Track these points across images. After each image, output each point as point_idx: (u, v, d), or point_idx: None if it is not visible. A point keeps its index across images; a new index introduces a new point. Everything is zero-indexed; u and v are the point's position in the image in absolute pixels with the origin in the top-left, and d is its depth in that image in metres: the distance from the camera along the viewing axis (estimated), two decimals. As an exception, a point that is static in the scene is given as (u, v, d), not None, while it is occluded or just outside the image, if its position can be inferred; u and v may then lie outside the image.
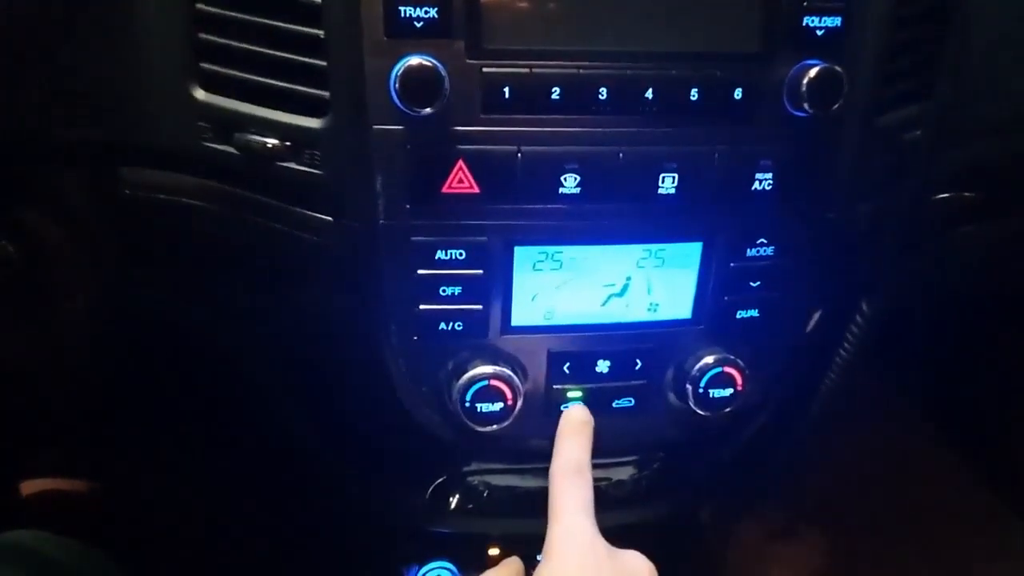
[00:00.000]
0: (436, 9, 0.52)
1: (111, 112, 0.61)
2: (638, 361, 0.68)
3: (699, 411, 0.67)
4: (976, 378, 1.39)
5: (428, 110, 0.53)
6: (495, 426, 0.64)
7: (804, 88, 0.57)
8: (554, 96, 0.56)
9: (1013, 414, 1.36)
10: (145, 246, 0.72)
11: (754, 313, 0.67)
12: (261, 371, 0.79)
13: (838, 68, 0.56)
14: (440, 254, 0.60)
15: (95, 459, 1.24)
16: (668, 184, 0.59)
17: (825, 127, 0.60)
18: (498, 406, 0.63)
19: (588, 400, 0.68)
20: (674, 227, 0.63)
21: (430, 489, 0.87)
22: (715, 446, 0.90)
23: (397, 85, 0.52)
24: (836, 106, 0.57)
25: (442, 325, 0.63)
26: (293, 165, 0.59)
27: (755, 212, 0.62)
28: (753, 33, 0.57)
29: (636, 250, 0.64)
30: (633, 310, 0.66)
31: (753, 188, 0.61)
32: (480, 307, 0.63)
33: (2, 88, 0.59)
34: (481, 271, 0.61)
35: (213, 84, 0.59)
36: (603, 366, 0.67)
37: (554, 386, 0.67)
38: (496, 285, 0.62)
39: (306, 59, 0.56)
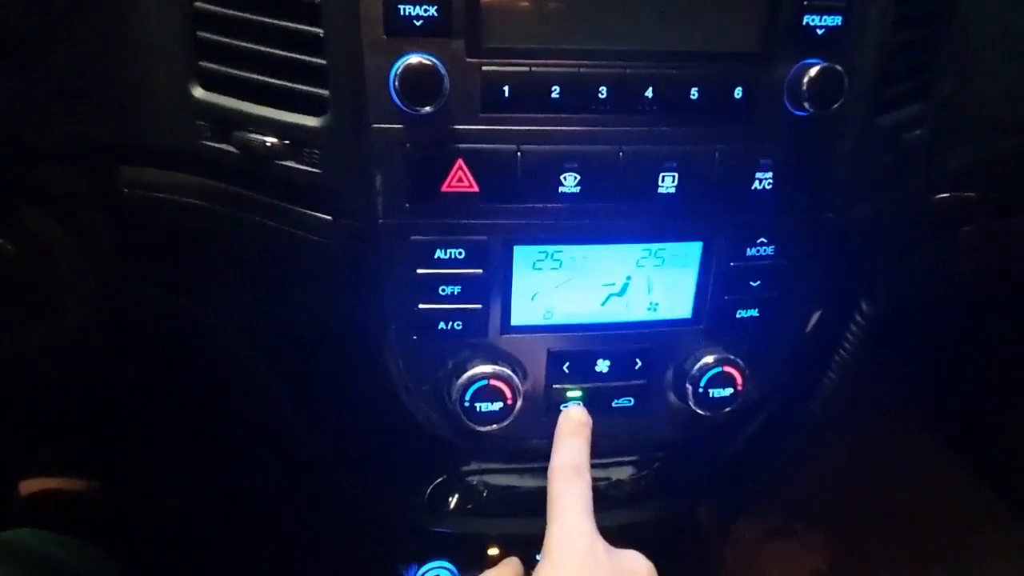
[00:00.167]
0: (436, 8, 0.52)
1: (110, 111, 0.61)
2: (638, 361, 0.68)
3: (699, 411, 0.67)
4: (975, 378, 1.39)
5: (428, 109, 0.53)
6: (494, 426, 0.64)
7: (804, 87, 0.57)
8: (554, 95, 0.56)
9: (1013, 414, 1.36)
10: (144, 245, 0.72)
11: (754, 313, 0.67)
12: (260, 370, 0.79)
13: (839, 67, 0.56)
14: (439, 253, 0.60)
15: (95, 458, 1.24)
16: (668, 183, 0.59)
17: (825, 127, 0.60)
18: (497, 406, 0.63)
19: (588, 400, 0.68)
20: (674, 227, 0.63)
21: (429, 489, 0.87)
22: (714, 446, 0.90)
23: (397, 84, 0.52)
24: (836, 105, 0.57)
25: (441, 324, 0.63)
26: (292, 164, 0.59)
27: (755, 212, 0.62)
28: (753, 32, 0.57)
29: (636, 249, 0.64)
30: (633, 310, 0.66)
31: (753, 188, 0.61)
32: (480, 306, 0.62)
33: (3, 87, 0.59)
34: (480, 270, 0.61)
35: (212, 83, 0.59)
36: (603, 366, 0.67)
37: (554, 386, 0.67)
38: (496, 284, 0.62)
39: (305, 58, 0.56)
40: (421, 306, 0.62)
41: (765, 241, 0.64)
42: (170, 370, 0.96)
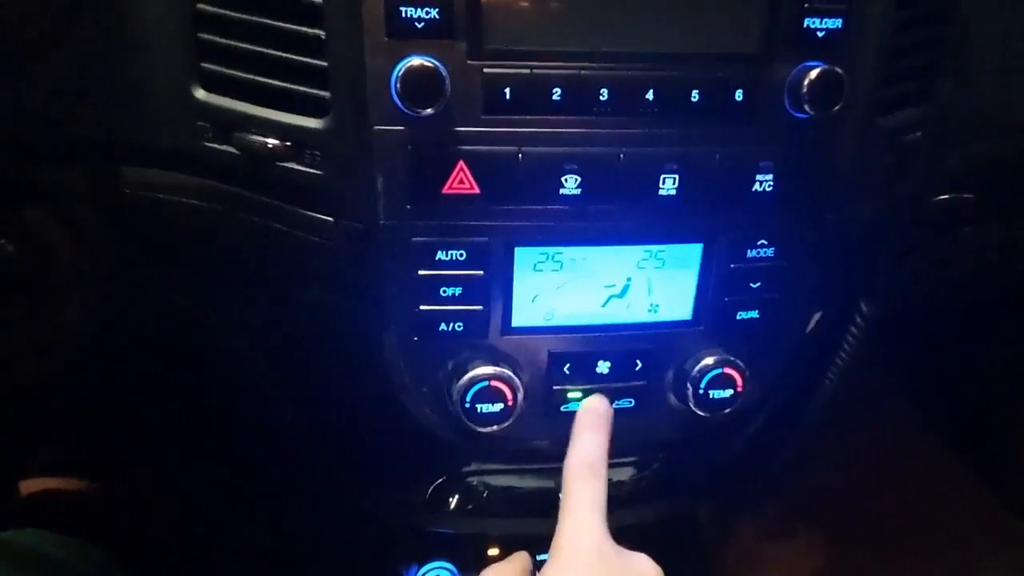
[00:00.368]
0: (437, 10, 0.52)
1: (111, 111, 0.61)
2: (638, 362, 0.68)
3: (699, 412, 0.67)
4: (976, 378, 1.39)
5: (429, 111, 0.53)
6: (495, 427, 0.64)
7: (805, 89, 0.57)
8: (555, 97, 0.56)
9: (1013, 414, 1.36)
10: (145, 246, 0.72)
11: (754, 314, 0.67)
12: (261, 371, 0.79)
13: (839, 69, 0.56)
14: (440, 254, 0.60)
15: (95, 458, 1.24)
16: (669, 185, 0.59)
17: (826, 128, 0.60)
18: (498, 407, 0.63)
19: (588, 401, 0.67)
20: (675, 228, 0.63)
21: (430, 489, 0.87)
22: (715, 447, 0.90)
23: (398, 85, 0.52)
24: (837, 107, 0.57)
25: (442, 325, 0.63)
26: (294, 165, 0.59)
27: (756, 213, 0.62)
28: (754, 34, 0.57)
29: (637, 251, 0.64)
30: (633, 311, 0.66)
31: (754, 189, 0.61)
32: (480, 308, 0.63)
33: (3, 87, 0.59)
34: (481, 272, 0.61)
35: (214, 84, 0.59)
36: (603, 367, 0.67)
37: (554, 387, 0.67)
38: (496, 286, 0.62)
39: (307, 59, 0.56)
40: (422, 307, 0.62)
41: (765, 242, 0.64)
42: (170, 370, 0.96)
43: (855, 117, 0.61)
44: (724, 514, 1.29)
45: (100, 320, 0.80)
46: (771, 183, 0.61)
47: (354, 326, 0.67)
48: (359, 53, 0.53)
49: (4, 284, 0.73)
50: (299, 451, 0.84)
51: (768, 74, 0.58)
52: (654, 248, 0.64)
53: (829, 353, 0.84)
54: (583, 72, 0.56)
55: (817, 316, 0.78)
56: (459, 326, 0.63)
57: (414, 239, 0.59)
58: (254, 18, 0.56)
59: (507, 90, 0.55)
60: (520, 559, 0.70)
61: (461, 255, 0.60)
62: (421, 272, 0.60)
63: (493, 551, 0.85)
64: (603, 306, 0.66)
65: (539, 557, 0.59)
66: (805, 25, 0.57)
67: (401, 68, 0.52)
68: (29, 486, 1.19)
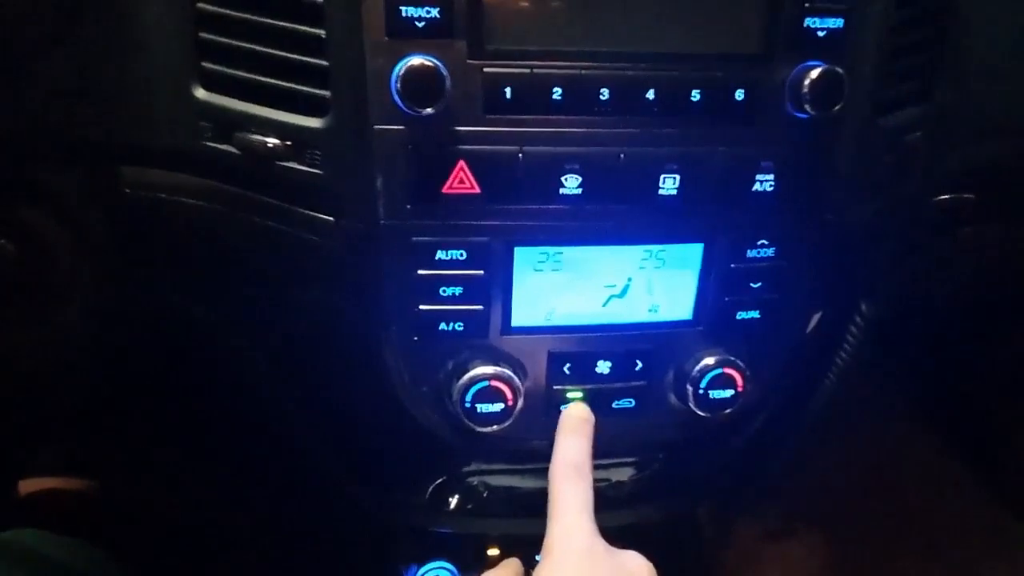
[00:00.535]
0: (438, 9, 0.52)
1: (111, 111, 0.61)
2: (638, 362, 0.68)
3: (699, 412, 0.67)
4: (976, 379, 1.39)
5: (429, 110, 0.53)
6: (495, 426, 0.64)
7: (806, 89, 0.57)
8: (555, 96, 0.56)
9: (1013, 414, 1.36)
10: (145, 246, 0.72)
11: (754, 314, 0.67)
12: (261, 370, 0.79)
13: (839, 69, 0.57)
14: (441, 254, 0.60)
15: (95, 458, 1.24)
16: (669, 185, 0.59)
17: (826, 128, 0.60)
18: (498, 407, 0.63)
19: (588, 401, 0.68)
20: (675, 228, 0.63)
21: (430, 489, 0.87)
22: (715, 447, 0.90)
23: (398, 85, 0.52)
24: (837, 107, 0.57)
25: (442, 325, 0.63)
26: (294, 165, 0.59)
27: (756, 213, 0.62)
28: (755, 34, 0.57)
29: (637, 251, 0.64)
30: (634, 311, 0.66)
31: (754, 189, 0.61)
32: (480, 307, 0.63)
33: (2, 86, 0.59)
34: (482, 271, 0.61)
35: (214, 83, 0.59)
36: (603, 367, 0.67)
37: (554, 387, 0.67)
38: (497, 285, 0.62)
39: (307, 59, 0.56)
40: (422, 307, 0.62)
41: (766, 243, 0.64)
42: (170, 370, 0.96)
43: (855, 117, 0.61)
44: (724, 514, 1.29)
45: (100, 320, 0.80)
46: (771, 183, 0.61)
47: (354, 326, 0.67)
48: (359, 52, 0.53)
49: (4, 284, 0.73)
50: (299, 451, 0.84)
51: (769, 74, 0.58)
52: (654, 248, 0.64)
53: (829, 353, 0.84)
54: (584, 72, 0.56)
55: (817, 316, 0.78)
56: (459, 326, 0.63)
57: (414, 239, 0.59)
58: (255, 17, 0.56)
59: (507, 90, 0.55)
60: (512, 565, 0.71)
61: (461, 255, 0.60)
62: (421, 272, 0.60)
63: (493, 551, 0.85)
64: (603, 306, 0.66)
65: (537, 558, 0.59)
66: (806, 25, 0.57)
67: (401, 67, 0.52)
68: (29, 486, 1.19)
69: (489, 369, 0.63)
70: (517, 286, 0.63)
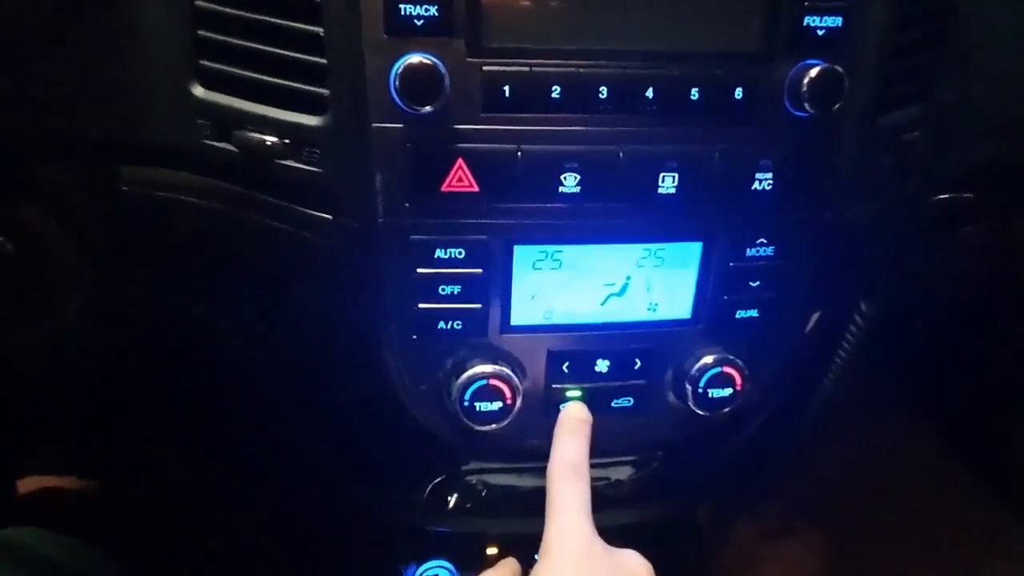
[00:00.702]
0: (436, 7, 0.52)
1: (110, 109, 0.61)
2: (637, 361, 0.68)
3: (698, 411, 0.67)
4: (975, 378, 1.39)
5: (428, 108, 0.53)
6: (494, 425, 0.64)
7: (805, 88, 0.57)
8: (554, 95, 0.56)
9: (1013, 414, 1.36)
10: (144, 244, 0.72)
11: (753, 313, 0.67)
12: (260, 369, 0.79)
13: (839, 68, 0.56)
14: (439, 253, 0.60)
15: (94, 457, 1.24)
16: (668, 184, 0.59)
17: (825, 127, 0.60)
18: (497, 405, 0.63)
19: (587, 400, 0.68)
20: (674, 227, 0.63)
21: (428, 488, 0.87)
22: (714, 446, 0.90)
23: (397, 83, 0.52)
24: (837, 106, 0.57)
25: (441, 324, 0.63)
26: (292, 163, 0.59)
27: (755, 212, 0.62)
28: (754, 33, 0.57)
29: (636, 249, 0.64)
30: (632, 310, 0.66)
31: (753, 188, 0.61)
32: (479, 306, 0.63)
33: (2, 85, 0.59)
34: (480, 270, 0.61)
35: (212, 81, 0.59)
36: (602, 366, 0.67)
37: (553, 385, 0.67)
38: (495, 284, 0.62)
39: (306, 57, 0.56)
40: (421, 305, 0.62)
41: (765, 241, 0.64)
42: (169, 369, 0.96)
43: (855, 116, 0.61)
44: (723, 514, 1.29)
45: (100, 320, 0.80)
46: (770, 182, 0.61)
47: (353, 324, 0.67)
48: (358, 50, 0.53)
49: (4, 283, 0.73)
50: (298, 450, 0.84)
51: (768, 73, 0.58)
52: (653, 247, 0.64)
53: (829, 353, 0.84)
54: (582, 70, 0.56)
55: (816, 316, 0.78)
56: (458, 324, 0.63)
57: (413, 237, 0.59)
58: (253, 15, 0.56)
59: (506, 88, 0.55)
60: (510, 565, 0.71)
61: (460, 253, 0.60)
62: (420, 270, 0.60)
63: (492, 550, 0.85)
64: (602, 305, 0.65)
65: (536, 557, 0.59)
66: (805, 23, 0.57)
67: (400, 66, 0.52)
68: (28, 485, 1.19)
69: (488, 368, 0.63)
70: (516, 284, 0.63)
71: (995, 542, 1.32)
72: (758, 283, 0.66)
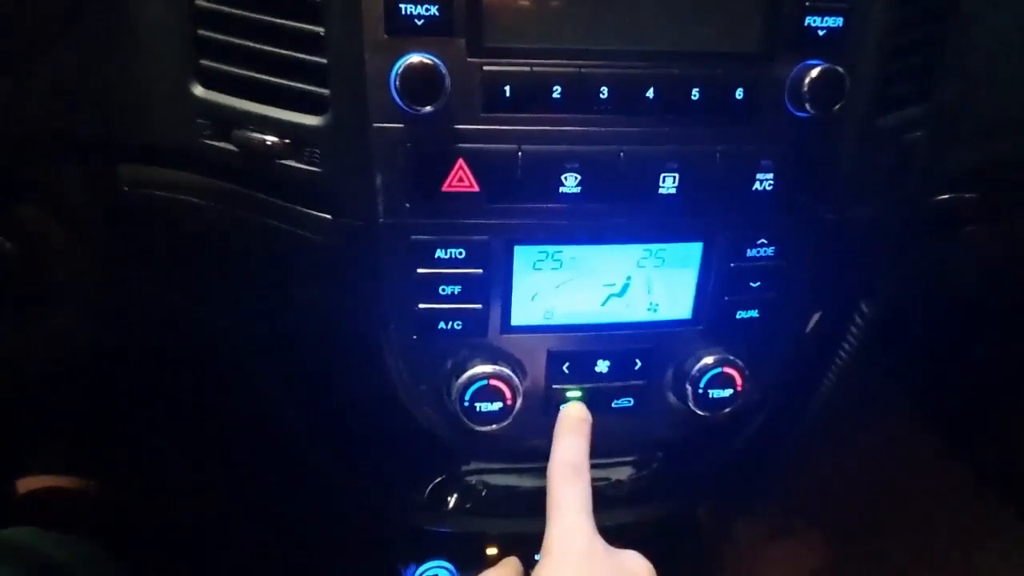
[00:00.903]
0: (437, 7, 0.52)
1: (110, 109, 0.61)
2: (638, 361, 0.68)
3: (698, 411, 0.67)
4: (975, 378, 1.39)
5: (428, 108, 0.53)
6: (494, 425, 0.64)
7: (806, 88, 0.57)
8: (555, 95, 0.56)
9: (1013, 414, 1.36)
10: (144, 243, 0.72)
11: (754, 313, 0.67)
12: (259, 369, 0.79)
13: (840, 68, 0.56)
14: (440, 253, 0.60)
15: (94, 457, 1.24)
16: (669, 184, 0.59)
17: (826, 128, 0.60)
18: (497, 405, 0.63)
19: (587, 400, 0.68)
20: (674, 227, 0.63)
21: (428, 488, 0.87)
22: (714, 446, 0.90)
23: (397, 83, 0.52)
24: (838, 106, 0.57)
25: (441, 324, 0.63)
26: (293, 163, 0.59)
27: (756, 212, 0.62)
28: (755, 33, 0.57)
29: (636, 250, 0.64)
30: (633, 310, 0.66)
31: (754, 188, 0.61)
32: (480, 306, 0.62)
33: (2, 84, 0.59)
34: (481, 270, 0.61)
35: (212, 81, 0.59)
36: (603, 366, 0.67)
37: (553, 386, 0.67)
38: (496, 284, 0.62)
39: (306, 56, 0.56)
40: (421, 306, 0.62)
41: (765, 242, 0.64)
42: (169, 369, 0.96)
43: (856, 116, 0.61)
44: (724, 514, 1.29)
45: (99, 319, 0.80)
46: (771, 182, 0.61)
47: (353, 325, 0.67)
48: (358, 50, 0.53)
49: (4, 283, 0.73)
50: (298, 450, 0.84)
51: (769, 73, 0.58)
52: (654, 247, 0.64)
53: (829, 353, 0.84)
54: (583, 70, 0.56)
55: (817, 316, 0.78)
56: (458, 324, 0.63)
57: (413, 237, 0.59)
58: (253, 15, 0.56)
59: (507, 88, 0.55)
60: (511, 564, 0.70)
61: (460, 253, 0.60)
62: (420, 270, 0.60)
63: (491, 550, 0.85)
64: (603, 305, 0.65)
65: (536, 557, 0.59)
66: (806, 23, 0.57)
67: (400, 65, 0.52)
68: (28, 484, 1.19)
69: (488, 368, 0.63)
70: (516, 285, 0.63)
71: (995, 542, 1.32)
72: (758, 283, 0.66)
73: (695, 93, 0.57)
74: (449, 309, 0.62)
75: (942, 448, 1.44)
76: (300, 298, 0.71)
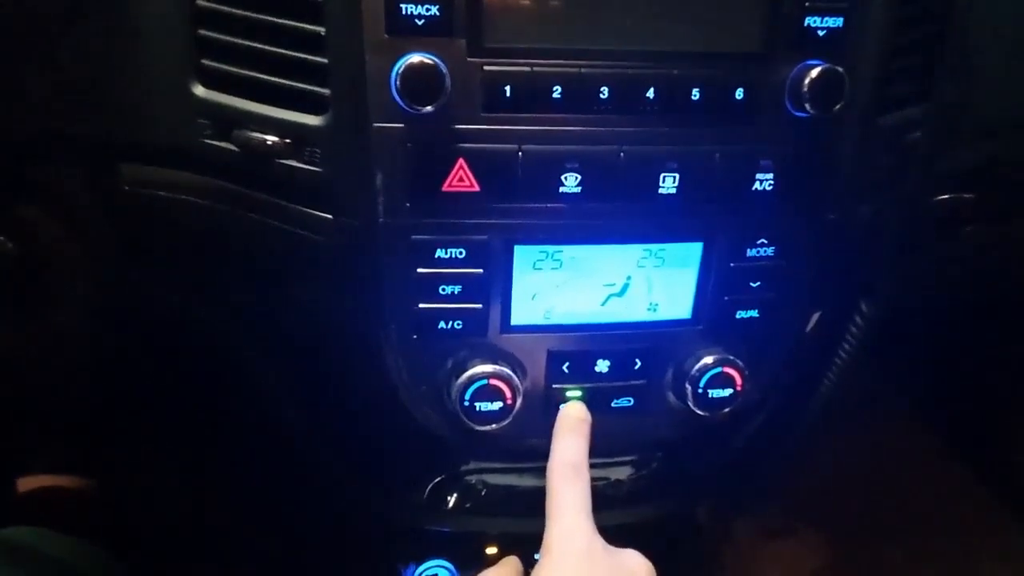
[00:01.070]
0: (438, 7, 0.52)
1: (111, 108, 0.61)
2: (637, 361, 0.68)
3: (698, 411, 0.67)
4: (975, 379, 1.39)
5: (429, 108, 0.53)
6: (494, 425, 0.64)
7: (806, 88, 0.57)
8: (555, 95, 0.56)
9: (1013, 415, 1.36)
10: (144, 243, 0.72)
11: (754, 313, 0.67)
12: (259, 369, 0.79)
13: (840, 68, 0.56)
14: (440, 253, 0.60)
15: (94, 456, 1.24)
16: (669, 184, 0.59)
17: (826, 128, 0.60)
18: (497, 405, 0.63)
19: (587, 400, 0.67)
20: (674, 227, 0.63)
21: (428, 488, 0.87)
22: (714, 446, 0.90)
23: (398, 83, 0.52)
24: (838, 107, 0.57)
25: (442, 324, 0.63)
26: (293, 163, 0.59)
27: (756, 212, 0.62)
28: (755, 33, 0.57)
29: (636, 250, 0.64)
30: (633, 310, 0.66)
31: (754, 188, 0.61)
32: (480, 306, 0.62)
33: (3, 84, 0.59)
34: (481, 270, 0.61)
35: (213, 80, 0.59)
36: (602, 366, 0.67)
37: (553, 385, 0.67)
38: (496, 284, 0.62)
39: (307, 56, 0.56)
40: (421, 305, 0.62)
41: (765, 242, 0.64)
42: (170, 369, 0.96)
43: (855, 116, 0.61)
44: (724, 514, 1.29)
45: (100, 319, 0.80)
46: (771, 182, 0.61)
47: (353, 324, 0.67)
48: (359, 50, 0.53)
49: (4, 283, 0.73)
50: (298, 450, 0.84)
51: (769, 73, 0.58)
52: (654, 247, 0.64)
53: (829, 353, 0.84)
54: (583, 70, 0.56)
55: (816, 315, 0.78)
56: (458, 324, 0.63)
57: (413, 237, 0.59)
58: (254, 15, 0.56)
59: (507, 88, 0.55)
60: (511, 564, 0.71)
61: (461, 253, 0.60)
62: (420, 270, 0.60)
63: (491, 550, 0.85)
64: (602, 305, 0.65)
65: (536, 556, 0.59)
66: (806, 24, 0.57)
67: (401, 65, 0.52)
68: (28, 484, 1.19)
69: (488, 368, 0.63)
70: (516, 284, 0.63)
71: (995, 542, 1.32)
72: (758, 283, 0.66)
73: (695, 93, 0.57)
74: (449, 309, 0.62)
75: (942, 448, 1.44)
76: (300, 298, 0.71)
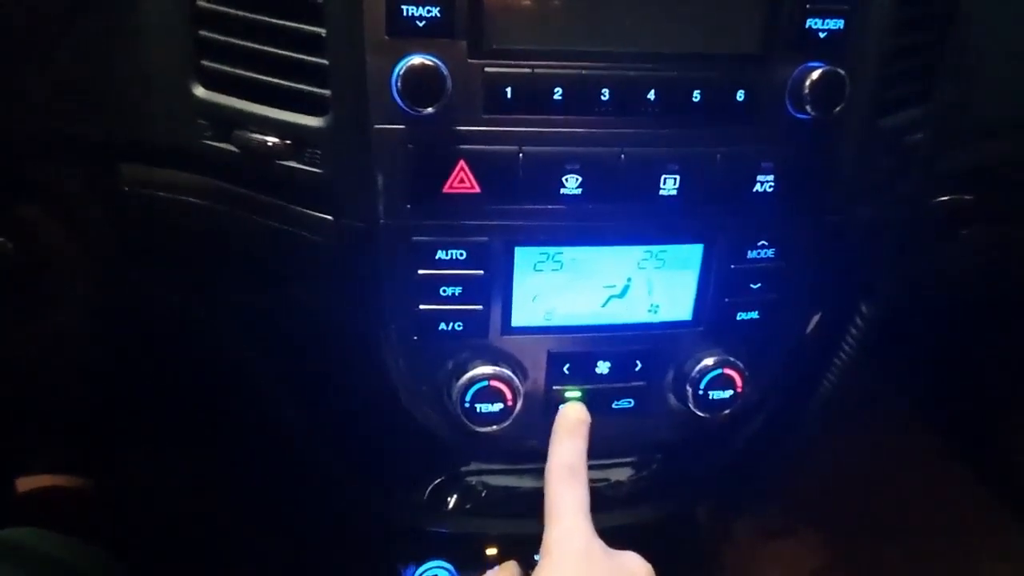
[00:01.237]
0: (438, 8, 0.52)
1: (111, 109, 0.61)
2: (638, 362, 0.68)
3: (699, 412, 0.67)
4: (975, 379, 1.39)
5: (430, 110, 0.53)
6: (494, 426, 0.64)
7: (806, 90, 0.57)
8: (556, 96, 0.56)
9: (1012, 415, 1.36)
10: (144, 243, 0.72)
11: (754, 315, 0.67)
12: (260, 370, 0.79)
13: (840, 70, 0.56)
14: (441, 254, 0.60)
15: (94, 456, 1.24)
16: (670, 185, 0.59)
17: (827, 129, 0.60)
18: (498, 407, 0.63)
19: (588, 401, 0.67)
20: (675, 229, 0.63)
21: (428, 489, 0.87)
22: (714, 447, 0.90)
23: (399, 84, 0.52)
24: (838, 108, 0.57)
25: (442, 325, 0.62)
26: (293, 164, 0.59)
27: (756, 214, 0.62)
28: (756, 35, 0.57)
29: (637, 251, 0.64)
30: (633, 311, 0.66)
31: (755, 190, 0.61)
32: (480, 307, 0.62)
33: (3, 84, 0.59)
34: (482, 271, 0.61)
35: (213, 81, 0.59)
36: (603, 367, 0.67)
37: (554, 387, 0.67)
38: (496, 285, 0.62)
39: (307, 57, 0.56)
40: (422, 307, 0.62)
41: (766, 243, 0.64)
42: (170, 369, 0.96)
43: (856, 118, 0.61)
44: (723, 514, 1.29)
45: (99, 319, 0.80)
46: (772, 184, 0.61)
47: (353, 325, 0.67)
48: (360, 51, 0.53)
49: (3, 281, 0.73)
50: (298, 450, 0.84)
51: (769, 75, 0.58)
52: (654, 248, 0.64)
53: (829, 353, 0.84)
54: (584, 72, 0.56)
55: (817, 317, 0.78)
56: (459, 326, 0.63)
57: (414, 238, 0.59)
58: (254, 16, 0.56)
59: (508, 89, 0.55)
60: (510, 568, 0.71)
61: (461, 254, 0.60)
62: (421, 271, 0.60)
63: (491, 551, 0.85)
64: (603, 306, 0.65)
65: (536, 557, 0.59)
66: (807, 26, 0.57)
67: (402, 67, 0.52)
68: (28, 484, 1.19)
69: (489, 369, 0.63)
70: (517, 286, 0.63)
71: (995, 542, 1.32)
72: (759, 285, 0.66)
73: (696, 95, 0.57)
74: (450, 310, 0.62)
75: (942, 448, 1.44)
76: (300, 299, 0.71)
